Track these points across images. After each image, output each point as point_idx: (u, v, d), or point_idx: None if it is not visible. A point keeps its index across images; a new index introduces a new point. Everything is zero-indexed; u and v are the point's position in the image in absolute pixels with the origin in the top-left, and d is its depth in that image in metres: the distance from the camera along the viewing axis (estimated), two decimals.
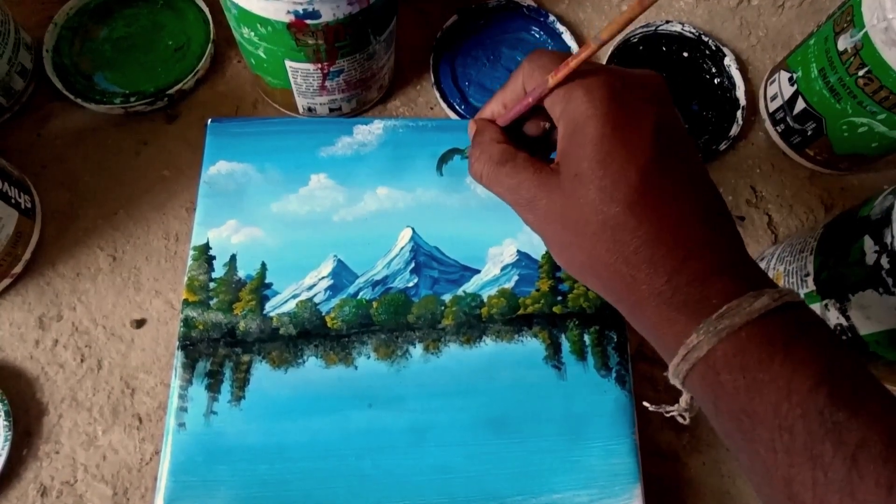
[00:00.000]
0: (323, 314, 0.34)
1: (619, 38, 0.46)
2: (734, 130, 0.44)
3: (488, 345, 0.34)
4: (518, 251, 0.36)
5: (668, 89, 0.25)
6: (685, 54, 0.46)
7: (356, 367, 0.33)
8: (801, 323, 0.22)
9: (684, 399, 0.25)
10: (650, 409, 0.27)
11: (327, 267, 0.35)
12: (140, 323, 0.38)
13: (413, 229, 0.36)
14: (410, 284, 0.35)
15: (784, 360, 0.20)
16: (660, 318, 0.23)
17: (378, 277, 0.35)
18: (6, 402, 0.35)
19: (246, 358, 0.33)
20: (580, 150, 0.23)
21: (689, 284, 0.22)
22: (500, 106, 0.28)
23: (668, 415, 0.26)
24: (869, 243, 0.31)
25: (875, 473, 0.19)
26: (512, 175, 0.26)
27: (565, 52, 0.25)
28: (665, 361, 0.23)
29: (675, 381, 0.23)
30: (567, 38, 0.46)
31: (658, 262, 0.22)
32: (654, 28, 0.46)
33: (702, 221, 0.23)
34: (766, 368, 0.20)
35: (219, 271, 0.35)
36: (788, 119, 0.43)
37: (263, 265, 0.35)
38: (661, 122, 0.23)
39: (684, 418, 0.25)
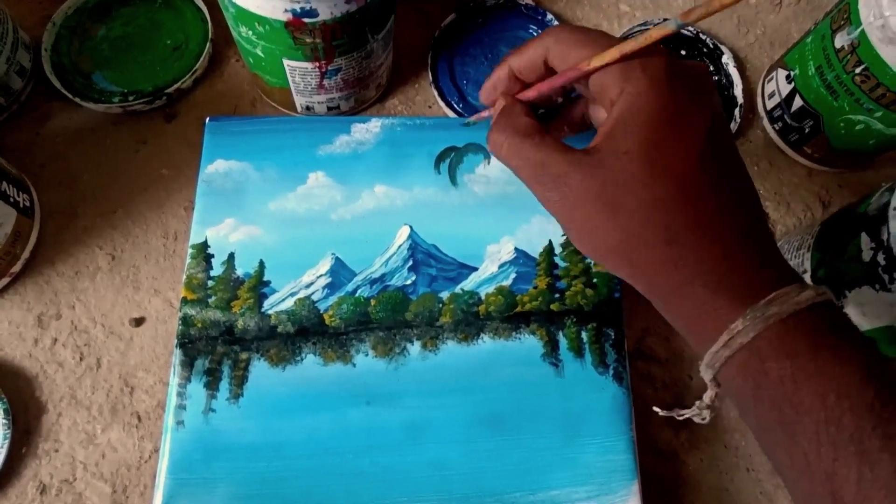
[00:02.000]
0: (321, 312, 0.35)
1: (617, 34, 0.46)
2: (732, 128, 0.44)
3: (486, 342, 0.34)
4: (516, 249, 0.36)
5: (713, 80, 0.25)
6: (683, 52, 0.46)
7: (354, 365, 0.34)
8: (840, 320, 0.22)
9: (708, 395, 0.24)
10: (661, 413, 0.27)
11: (325, 265, 0.35)
12: (139, 321, 0.38)
13: (411, 227, 0.36)
14: (408, 282, 0.35)
15: (831, 352, 0.20)
16: (701, 304, 0.22)
17: (376, 275, 0.36)
18: (5, 400, 0.35)
19: (244, 356, 0.33)
20: (635, 129, 0.23)
21: (736, 271, 0.22)
22: (513, 73, 0.27)
23: (681, 417, 0.25)
24: (865, 240, 0.31)
25: None
26: (538, 149, 0.25)
27: (589, 29, 0.25)
28: (697, 351, 0.23)
29: (707, 373, 0.23)
30: None
31: (708, 245, 0.22)
32: (651, 27, 0.46)
33: (747, 213, 0.23)
34: (813, 359, 0.20)
35: (217, 269, 0.35)
36: (786, 117, 0.43)
37: (262, 263, 0.35)
38: (714, 111, 0.24)
39: (704, 418, 0.25)
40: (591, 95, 0.26)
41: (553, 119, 0.29)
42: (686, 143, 0.23)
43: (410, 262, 0.36)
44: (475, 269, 0.36)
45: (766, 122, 0.45)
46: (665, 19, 0.47)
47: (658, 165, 0.22)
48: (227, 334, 0.34)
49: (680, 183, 0.22)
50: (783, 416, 0.21)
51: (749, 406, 0.22)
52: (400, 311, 0.35)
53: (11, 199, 0.36)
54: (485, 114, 0.31)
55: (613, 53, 0.24)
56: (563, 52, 0.25)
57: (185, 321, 0.34)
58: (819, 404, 0.20)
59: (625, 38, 0.46)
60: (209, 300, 0.34)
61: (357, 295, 0.35)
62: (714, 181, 0.23)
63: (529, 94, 0.27)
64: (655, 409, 0.28)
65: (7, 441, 0.34)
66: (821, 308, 0.21)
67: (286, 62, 0.36)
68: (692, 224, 0.22)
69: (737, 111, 0.44)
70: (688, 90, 0.23)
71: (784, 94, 0.42)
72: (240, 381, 0.33)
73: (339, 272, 0.35)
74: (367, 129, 0.38)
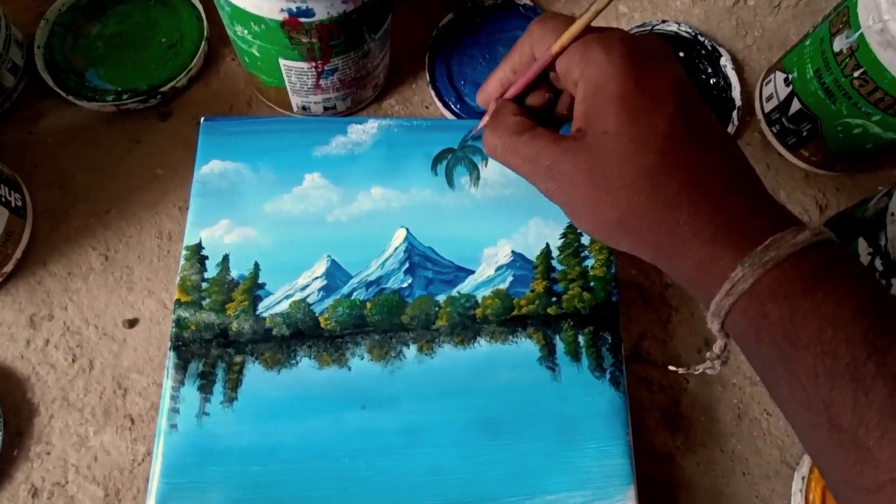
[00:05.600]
0: (316, 315, 0.34)
1: None
2: (729, 131, 0.44)
3: (482, 346, 0.34)
4: (512, 252, 0.36)
5: (670, 49, 0.26)
6: (681, 54, 0.46)
7: (350, 368, 0.33)
8: (840, 258, 0.22)
9: (718, 346, 0.25)
10: (680, 372, 0.28)
11: (321, 267, 0.35)
12: (132, 323, 0.37)
13: (407, 229, 0.36)
14: (404, 285, 0.35)
15: (828, 289, 0.21)
16: (702, 259, 0.23)
17: (372, 278, 0.35)
18: None
19: (238, 359, 0.33)
20: (606, 108, 0.24)
21: (731, 222, 0.23)
22: (510, 72, 0.28)
23: (696, 372, 0.26)
24: (863, 245, 0.31)
25: None
26: (530, 144, 0.26)
27: (565, 16, 0.26)
28: (705, 305, 0.24)
29: (714, 323, 0.24)
30: None
31: (699, 202, 0.23)
32: (650, 28, 0.46)
33: (731, 165, 0.24)
34: (811, 297, 0.21)
35: (211, 271, 0.34)
36: (784, 120, 0.43)
37: (256, 265, 0.35)
38: (675, 77, 0.24)
39: (714, 367, 0.26)
40: (559, 82, 0.27)
41: (551, 114, 0.30)
42: (658, 110, 0.24)
43: (407, 265, 0.35)
44: (472, 272, 0.36)
45: (763, 125, 0.45)
46: (664, 20, 0.47)
47: (637, 137, 0.23)
48: (222, 337, 0.33)
49: (661, 149, 0.23)
50: (783, 353, 0.21)
51: (752, 347, 0.23)
52: (396, 314, 0.35)
53: (3, 199, 0.36)
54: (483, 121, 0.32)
55: (567, 36, 0.25)
56: (542, 41, 0.26)
57: (179, 324, 0.33)
58: (816, 339, 0.21)
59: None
60: (203, 302, 0.34)
61: (353, 297, 0.35)
62: (693, 140, 0.24)
63: (513, 90, 0.28)
64: (671, 367, 0.29)
65: None
66: (819, 248, 0.22)
67: (282, 62, 0.35)
68: (682, 185, 0.23)
69: (734, 113, 0.44)
70: (646, 60, 0.24)
71: (782, 97, 0.42)
72: (234, 384, 0.33)
73: (335, 274, 0.35)
74: (364, 130, 0.38)
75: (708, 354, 0.26)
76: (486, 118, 0.29)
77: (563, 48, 0.25)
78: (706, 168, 0.23)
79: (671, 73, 0.24)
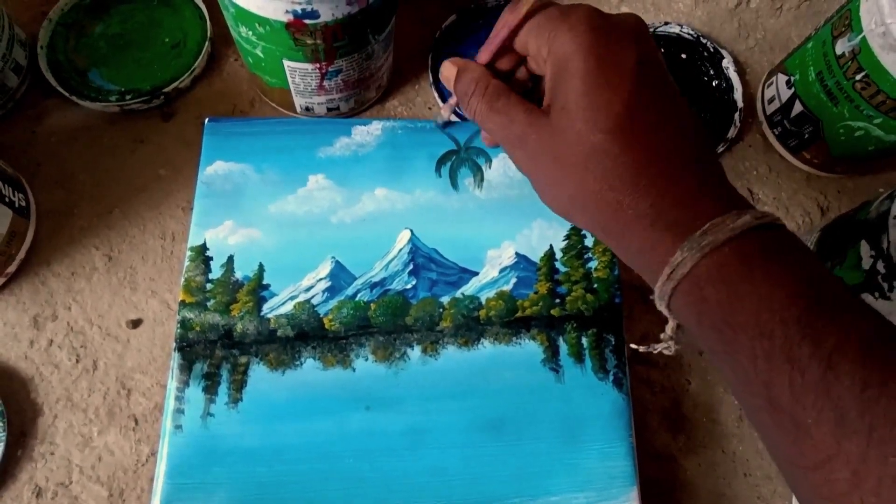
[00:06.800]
0: (321, 316, 0.34)
1: None
2: (731, 133, 0.44)
3: (486, 347, 0.34)
4: (516, 253, 0.36)
5: (647, 27, 0.26)
6: (683, 56, 0.46)
7: (354, 370, 0.33)
8: (782, 241, 0.22)
9: (670, 326, 0.25)
10: (640, 350, 0.28)
11: (325, 268, 0.35)
12: (136, 323, 0.37)
13: (411, 231, 0.36)
14: (409, 286, 0.35)
15: (765, 273, 0.21)
16: (646, 242, 0.23)
17: (376, 279, 0.35)
18: (0, 402, 0.34)
19: (243, 360, 0.33)
20: (566, 84, 0.24)
21: (674, 207, 0.23)
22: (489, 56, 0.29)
23: (655, 351, 0.26)
24: (865, 248, 0.32)
25: (850, 373, 0.19)
26: (504, 111, 0.26)
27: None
28: (652, 287, 0.24)
29: (660, 306, 0.24)
30: None
31: (643, 186, 0.23)
32: (652, 30, 0.46)
33: (684, 148, 0.24)
34: (748, 280, 0.21)
35: (216, 272, 0.35)
36: (786, 122, 0.43)
37: (261, 266, 0.35)
38: (642, 56, 0.24)
39: (670, 348, 0.26)
40: (531, 64, 0.28)
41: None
42: (615, 90, 0.24)
43: (411, 267, 0.36)
44: (476, 273, 0.36)
45: (765, 127, 0.45)
46: (666, 22, 0.47)
47: (591, 115, 0.24)
48: (226, 338, 0.33)
49: (612, 129, 0.23)
50: (723, 336, 0.22)
51: (695, 330, 0.23)
52: (400, 316, 0.35)
53: (7, 199, 0.36)
54: (452, 101, 0.33)
55: (524, 6, 0.26)
56: (514, 6, 0.27)
57: (184, 325, 0.33)
58: (753, 321, 0.21)
59: None
60: (208, 303, 0.34)
61: (357, 299, 0.35)
62: (648, 121, 0.24)
63: (486, 54, 0.29)
64: (632, 345, 0.29)
65: (2, 444, 0.34)
66: (761, 231, 0.22)
67: (286, 63, 0.35)
68: (627, 167, 0.23)
69: (736, 115, 0.44)
70: (612, 36, 0.24)
71: (784, 99, 0.42)
72: (239, 385, 0.33)
73: (339, 276, 0.35)
74: (368, 132, 0.38)
75: (662, 335, 0.25)
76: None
77: (521, 18, 0.26)
78: (656, 150, 0.23)
79: (635, 51, 0.24)
